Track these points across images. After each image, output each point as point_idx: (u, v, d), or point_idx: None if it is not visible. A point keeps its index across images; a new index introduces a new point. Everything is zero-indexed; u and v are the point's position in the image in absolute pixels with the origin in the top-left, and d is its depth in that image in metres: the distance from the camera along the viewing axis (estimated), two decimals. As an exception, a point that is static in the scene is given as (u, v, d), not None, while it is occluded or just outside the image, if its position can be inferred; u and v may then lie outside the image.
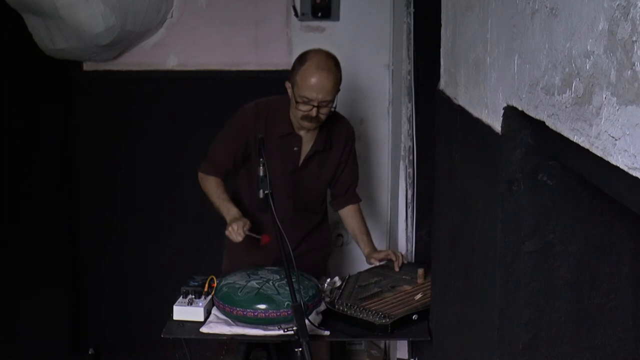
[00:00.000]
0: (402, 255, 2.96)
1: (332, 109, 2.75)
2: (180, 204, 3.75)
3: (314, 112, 2.68)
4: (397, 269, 2.88)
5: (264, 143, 2.49)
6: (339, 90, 2.74)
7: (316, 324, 2.44)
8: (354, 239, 3.14)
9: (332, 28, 3.65)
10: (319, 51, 2.74)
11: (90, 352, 3.88)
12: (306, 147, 2.87)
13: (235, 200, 2.88)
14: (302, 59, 2.72)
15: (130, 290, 3.86)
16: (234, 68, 3.69)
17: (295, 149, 2.85)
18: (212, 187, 2.81)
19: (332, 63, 2.71)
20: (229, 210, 2.73)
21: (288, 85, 2.75)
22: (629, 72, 0.89)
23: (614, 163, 0.95)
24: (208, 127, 3.04)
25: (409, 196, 3.30)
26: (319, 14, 3.60)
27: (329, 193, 3.10)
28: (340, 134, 2.94)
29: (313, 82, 2.65)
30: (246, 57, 3.67)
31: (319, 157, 2.91)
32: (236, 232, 2.62)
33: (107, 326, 3.91)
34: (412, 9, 3.25)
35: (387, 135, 3.75)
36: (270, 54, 3.65)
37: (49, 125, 3.66)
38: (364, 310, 2.53)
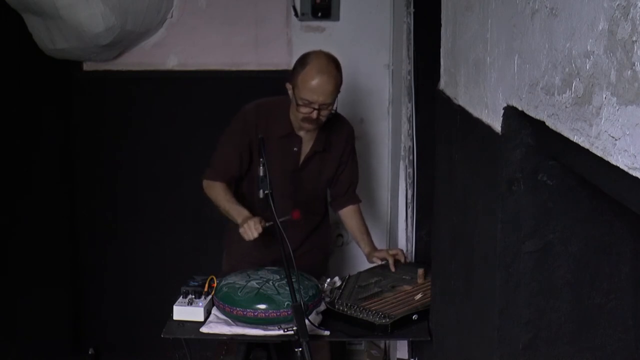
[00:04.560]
0: (402, 252, 2.96)
1: (333, 111, 2.76)
2: (180, 204, 3.75)
3: (314, 115, 2.69)
4: (392, 269, 2.88)
5: (264, 143, 2.49)
6: (339, 92, 2.75)
7: (316, 324, 2.44)
8: (354, 240, 3.14)
9: (332, 28, 3.65)
10: (320, 53, 2.74)
11: (90, 352, 3.88)
12: (306, 148, 2.87)
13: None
14: (303, 61, 2.72)
15: (130, 290, 3.86)
16: (234, 68, 3.69)
17: (295, 149, 2.85)
18: (220, 192, 2.80)
19: (332, 66, 2.71)
20: (240, 212, 2.73)
21: (289, 86, 2.75)
22: (629, 72, 0.89)
23: (614, 163, 0.95)
24: (208, 127, 3.04)
25: (409, 196, 3.30)
26: (319, 14, 3.60)
27: (328, 193, 3.10)
28: (340, 134, 2.94)
29: (314, 85, 2.65)
30: (246, 57, 3.67)
31: (319, 158, 2.91)
32: (253, 228, 2.61)
33: (107, 326, 3.91)
34: (412, 9, 3.24)
35: (387, 135, 3.75)
36: (270, 54, 3.65)
37: (49, 125, 3.66)
38: (364, 310, 2.53)
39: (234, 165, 2.83)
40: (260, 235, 2.66)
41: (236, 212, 2.74)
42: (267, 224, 2.63)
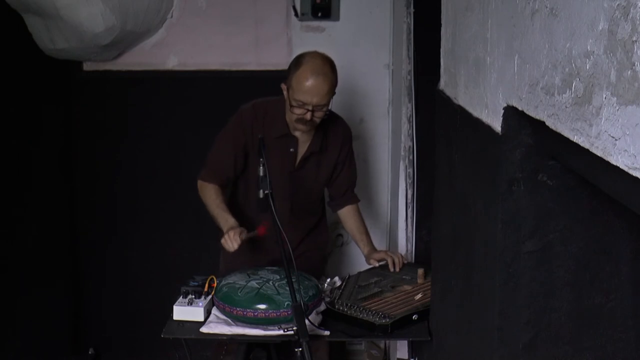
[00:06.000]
0: (400, 256, 2.96)
1: (327, 112, 2.75)
2: (180, 204, 3.75)
3: (308, 116, 2.69)
4: (391, 269, 2.88)
5: (264, 143, 2.49)
6: (334, 93, 2.74)
7: (316, 324, 2.44)
8: (353, 240, 3.14)
9: (332, 28, 3.65)
10: (314, 55, 2.73)
11: (90, 352, 3.88)
12: (302, 148, 2.87)
13: (232, 202, 2.88)
14: (298, 62, 2.71)
15: (130, 290, 3.86)
16: (234, 68, 3.69)
17: (291, 149, 2.85)
18: (211, 195, 2.79)
19: (327, 67, 2.70)
20: (226, 221, 2.71)
21: (283, 87, 2.75)
22: (629, 72, 0.89)
23: (614, 163, 0.95)
24: (208, 127, 3.04)
25: (409, 196, 3.30)
26: (319, 14, 3.60)
27: (326, 194, 3.10)
28: (337, 134, 2.94)
29: (308, 87, 2.65)
30: (246, 57, 3.67)
31: (316, 158, 2.90)
32: (232, 239, 2.61)
33: (107, 326, 3.91)
34: (412, 9, 3.24)
35: (387, 135, 3.75)
36: (270, 54, 3.65)
37: (49, 125, 3.66)
38: (364, 310, 2.53)
39: (229, 167, 2.83)
40: (252, 235, 2.67)
41: (223, 219, 2.73)
42: (247, 236, 2.64)
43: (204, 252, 3.60)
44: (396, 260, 2.90)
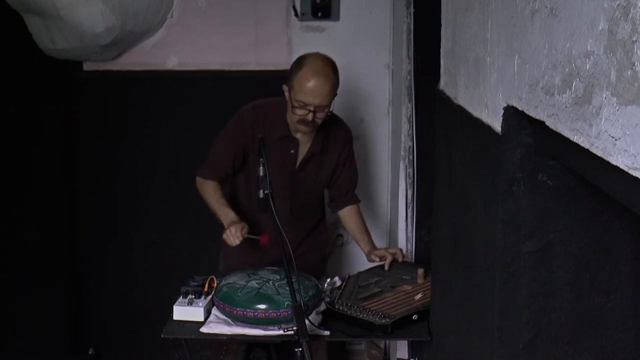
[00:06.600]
0: (400, 251, 2.97)
1: (329, 113, 2.75)
2: (180, 204, 3.75)
3: (310, 117, 2.69)
4: (386, 268, 2.88)
5: (264, 143, 2.49)
6: (335, 94, 2.74)
7: (316, 324, 2.44)
8: (353, 239, 3.14)
9: (332, 28, 3.65)
10: (316, 56, 2.74)
11: (90, 352, 3.88)
12: (303, 150, 2.87)
13: (233, 202, 2.88)
14: (300, 63, 2.71)
15: (130, 290, 3.86)
16: (234, 68, 3.69)
17: (292, 151, 2.85)
18: (210, 191, 2.81)
19: (329, 68, 2.70)
20: (227, 215, 2.73)
21: (285, 88, 2.75)
22: (629, 72, 0.89)
23: (614, 163, 0.95)
24: (208, 127, 3.04)
25: (409, 196, 3.30)
26: (319, 14, 3.60)
27: (327, 194, 3.10)
28: (337, 136, 2.94)
29: (309, 87, 2.65)
30: (246, 57, 3.67)
31: (317, 160, 2.90)
32: (234, 235, 2.62)
33: (107, 326, 3.91)
34: (412, 9, 3.24)
35: (387, 135, 3.75)
36: (270, 54, 3.65)
37: (49, 125, 3.66)
38: (364, 310, 2.53)
39: (227, 166, 2.84)
40: (254, 238, 2.68)
41: (223, 214, 2.74)
42: (247, 235, 2.65)
43: (204, 252, 3.60)
44: (398, 258, 2.91)
